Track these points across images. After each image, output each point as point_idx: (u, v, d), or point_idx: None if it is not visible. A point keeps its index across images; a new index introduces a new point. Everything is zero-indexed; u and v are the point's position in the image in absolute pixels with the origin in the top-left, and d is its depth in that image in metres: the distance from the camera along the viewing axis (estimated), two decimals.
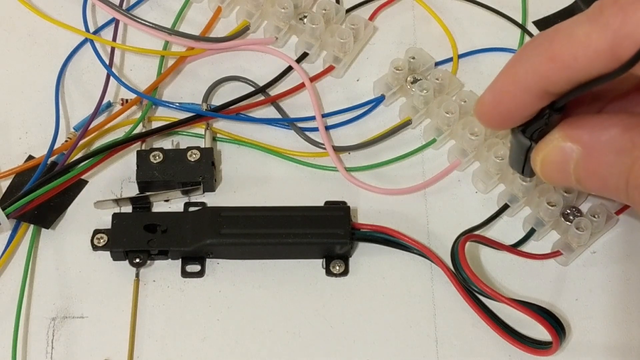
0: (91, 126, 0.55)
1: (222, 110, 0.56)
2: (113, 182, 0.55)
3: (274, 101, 0.58)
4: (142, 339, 0.50)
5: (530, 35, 0.61)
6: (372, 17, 0.61)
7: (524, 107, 0.43)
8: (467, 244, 0.50)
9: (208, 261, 0.52)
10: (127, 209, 0.54)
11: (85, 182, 0.55)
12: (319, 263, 0.53)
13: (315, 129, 0.56)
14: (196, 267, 0.52)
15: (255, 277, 0.52)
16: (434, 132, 0.56)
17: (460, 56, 0.60)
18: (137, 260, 0.51)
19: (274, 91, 0.58)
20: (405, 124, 0.57)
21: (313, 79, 0.58)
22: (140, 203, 0.54)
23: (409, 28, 0.61)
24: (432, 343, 0.50)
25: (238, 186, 0.55)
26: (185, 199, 0.54)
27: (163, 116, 0.57)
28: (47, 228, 0.53)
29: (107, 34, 0.60)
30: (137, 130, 0.56)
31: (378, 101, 0.58)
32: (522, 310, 0.48)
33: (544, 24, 0.61)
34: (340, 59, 0.58)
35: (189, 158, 0.54)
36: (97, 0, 0.59)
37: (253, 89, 0.58)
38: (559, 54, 0.39)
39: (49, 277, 0.52)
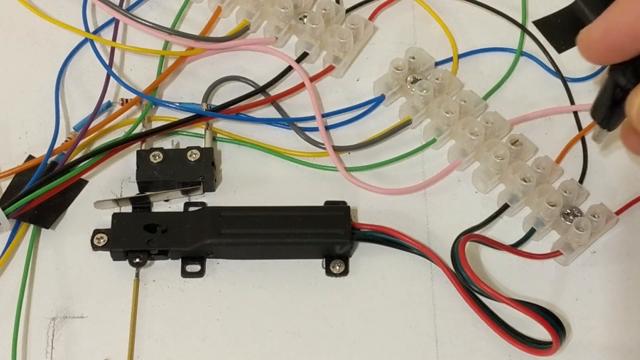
0: (91, 126, 0.55)
1: (222, 110, 0.56)
2: (113, 182, 0.55)
3: (274, 101, 0.58)
4: (142, 339, 0.50)
5: (530, 35, 0.61)
6: (372, 17, 0.61)
7: (637, 38, 0.40)
8: (467, 243, 0.50)
9: (208, 261, 0.52)
10: (127, 208, 0.54)
11: (85, 182, 0.55)
12: (319, 263, 0.53)
13: (315, 129, 0.56)
14: (196, 267, 0.52)
15: (255, 277, 0.52)
16: (434, 132, 0.56)
17: (460, 56, 0.60)
18: (137, 260, 0.51)
19: (274, 91, 0.58)
20: (405, 124, 0.57)
21: (313, 79, 0.58)
22: (140, 203, 0.54)
23: (409, 28, 0.61)
24: (432, 343, 0.50)
25: (238, 186, 0.55)
26: (185, 199, 0.54)
27: (163, 116, 0.57)
28: (47, 228, 0.53)
29: (107, 34, 0.60)
30: (137, 130, 0.56)
31: (378, 101, 0.58)
32: (522, 310, 0.48)
33: (544, 24, 0.61)
34: (340, 59, 0.58)
35: (189, 158, 0.54)
36: (97, 0, 0.59)
37: (253, 88, 0.58)
38: None
39: (49, 277, 0.52)
